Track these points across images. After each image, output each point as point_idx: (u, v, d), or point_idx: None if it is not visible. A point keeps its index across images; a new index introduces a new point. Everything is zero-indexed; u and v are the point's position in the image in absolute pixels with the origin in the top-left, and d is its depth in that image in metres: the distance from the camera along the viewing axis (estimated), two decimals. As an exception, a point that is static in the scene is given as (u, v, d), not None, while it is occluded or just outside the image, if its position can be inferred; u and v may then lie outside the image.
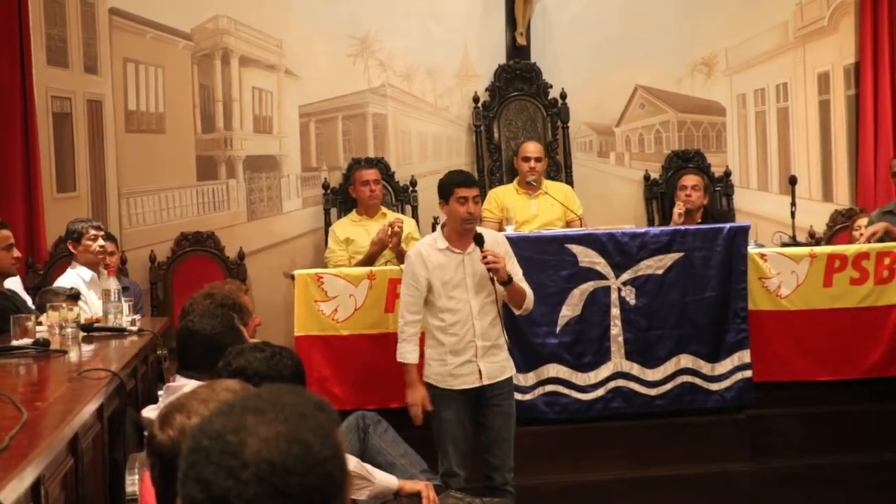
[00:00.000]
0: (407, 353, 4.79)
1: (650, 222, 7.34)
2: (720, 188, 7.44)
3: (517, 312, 4.96)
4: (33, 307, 5.12)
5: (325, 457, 1.25)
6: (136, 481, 2.85)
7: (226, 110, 7.15)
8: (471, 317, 4.74)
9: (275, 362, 2.82)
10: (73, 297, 4.84)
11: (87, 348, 4.35)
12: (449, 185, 4.79)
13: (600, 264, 5.48)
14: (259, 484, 1.22)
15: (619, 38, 7.42)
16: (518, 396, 5.33)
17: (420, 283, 4.75)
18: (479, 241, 4.73)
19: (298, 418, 1.27)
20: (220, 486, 1.22)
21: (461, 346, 4.76)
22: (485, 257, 4.67)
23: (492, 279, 4.72)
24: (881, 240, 5.85)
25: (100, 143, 6.97)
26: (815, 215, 7.48)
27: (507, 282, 4.71)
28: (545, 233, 5.76)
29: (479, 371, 4.79)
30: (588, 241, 5.51)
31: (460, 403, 4.79)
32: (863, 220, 6.57)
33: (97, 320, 4.80)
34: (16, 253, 5.16)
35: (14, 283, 5.40)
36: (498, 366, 4.83)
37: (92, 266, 5.66)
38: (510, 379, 4.90)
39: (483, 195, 6.86)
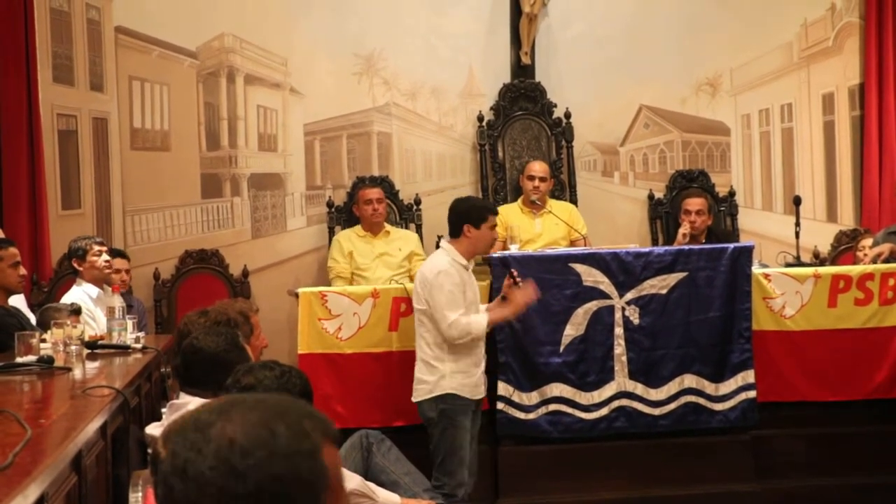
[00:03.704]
0: (474, 321, 4.83)
1: (654, 242, 7.33)
2: (724, 208, 7.43)
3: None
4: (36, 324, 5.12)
5: (294, 450, 1.23)
6: (140, 499, 2.85)
7: (231, 128, 7.16)
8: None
9: (284, 381, 2.82)
10: (75, 312, 4.84)
11: (92, 365, 4.35)
12: (484, 211, 5.00)
13: (604, 283, 5.48)
14: (216, 458, 1.22)
15: (623, 58, 7.43)
16: (521, 415, 5.37)
17: (462, 294, 4.86)
18: (506, 263, 4.94)
19: (277, 409, 1.27)
20: (181, 457, 1.24)
21: (479, 358, 4.99)
22: (515, 278, 4.90)
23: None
24: (886, 261, 5.85)
25: (105, 160, 6.99)
26: (820, 235, 7.46)
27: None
28: (549, 252, 5.77)
29: (485, 382, 5.06)
30: (592, 260, 5.51)
31: (472, 414, 4.90)
32: (867, 241, 6.56)
33: (102, 337, 4.80)
34: (22, 270, 5.17)
35: (18, 301, 5.40)
36: None
37: (98, 282, 5.67)
38: None
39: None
